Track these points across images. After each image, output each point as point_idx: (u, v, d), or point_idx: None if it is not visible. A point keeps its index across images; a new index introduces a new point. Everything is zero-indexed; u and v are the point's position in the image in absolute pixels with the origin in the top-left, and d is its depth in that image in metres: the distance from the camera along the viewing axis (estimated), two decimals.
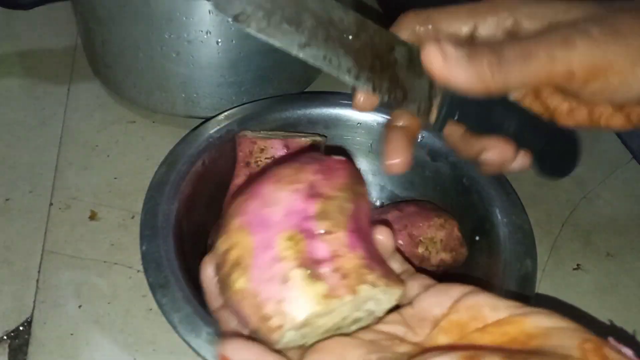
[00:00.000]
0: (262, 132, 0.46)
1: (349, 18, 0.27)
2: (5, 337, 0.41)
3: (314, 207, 0.24)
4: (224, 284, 0.24)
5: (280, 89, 0.56)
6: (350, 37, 0.27)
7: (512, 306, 0.24)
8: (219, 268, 0.25)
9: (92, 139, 0.55)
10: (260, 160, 0.44)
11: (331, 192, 0.25)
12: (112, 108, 0.58)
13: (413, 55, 0.29)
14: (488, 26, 0.31)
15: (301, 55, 0.27)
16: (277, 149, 0.43)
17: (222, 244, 0.25)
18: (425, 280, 0.29)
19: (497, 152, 0.32)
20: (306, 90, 0.61)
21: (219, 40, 0.50)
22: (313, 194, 0.25)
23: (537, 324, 0.23)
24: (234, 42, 0.50)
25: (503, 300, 0.24)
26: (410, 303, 0.27)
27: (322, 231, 0.24)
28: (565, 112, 0.33)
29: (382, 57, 0.28)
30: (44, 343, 0.41)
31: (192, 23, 0.48)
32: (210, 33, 0.49)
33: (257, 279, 0.23)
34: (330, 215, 0.24)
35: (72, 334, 0.41)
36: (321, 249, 0.24)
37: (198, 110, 0.55)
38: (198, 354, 0.35)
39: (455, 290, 0.26)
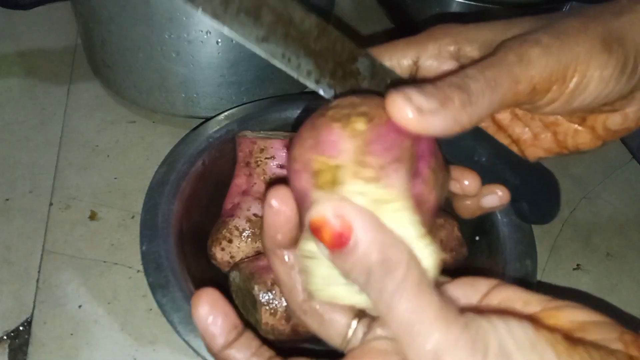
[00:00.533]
0: (262, 132, 0.46)
1: (310, 20, 0.26)
2: (5, 337, 0.41)
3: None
4: (345, 123, 0.23)
5: (280, 89, 0.56)
6: (311, 39, 0.26)
7: (543, 300, 0.24)
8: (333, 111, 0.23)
9: (92, 139, 0.55)
10: (260, 160, 0.44)
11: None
12: (112, 108, 0.58)
13: (376, 70, 0.29)
14: (430, 54, 0.30)
15: (259, 50, 0.25)
16: (277, 149, 0.43)
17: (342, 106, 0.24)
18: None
19: (459, 183, 0.31)
20: (306, 90, 0.61)
21: (219, 40, 0.50)
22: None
23: (572, 318, 0.23)
24: (234, 42, 0.50)
25: (532, 293, 0.24)
26: None
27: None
28: (530, 141, 0.33)
29: (343, 65, 0.27)
30: (44, 343, 0.41)
31: (192, 23, 0.48)
32: (210, 33, 0.49)
33: (379, 133, 0.22)
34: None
35: (72, 334, 0.41)
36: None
37: (198, 110, 0.55)
38: (198, 354, 0.35)
39: (482, 284, 0.26)
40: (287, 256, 0.26)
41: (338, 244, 0.21)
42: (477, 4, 0.61)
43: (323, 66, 0.27)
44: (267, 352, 0.25)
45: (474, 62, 0.26)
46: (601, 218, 0.54)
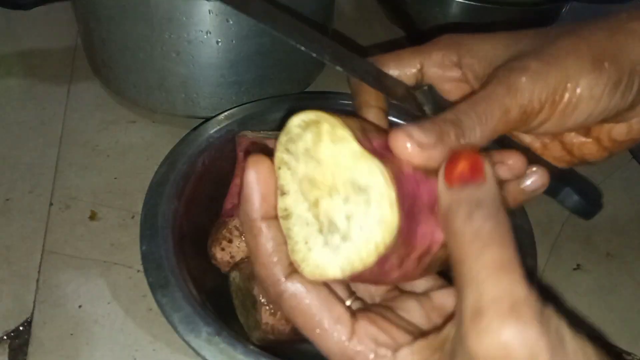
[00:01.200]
0: (262, 132, 0.46)
1: (318, 34, 0.29)
2: (5, 337, 0.41)
3: None
4: None
5: (280, 89, 0.56)
6: (324, 45, 0.29)
7: None
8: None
9: (92, 139, 0.55)
10: None
11: None
12: (112, 108, 0.58)
13: (383, 74, 0.31)
14: (433, 62, 0.32)
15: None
16: None
17: None
18: (435, 277, 0.29)
19: (504, 165, 0.29)
20: (306, 90, 0.61)
21: (219, 40, 0.50)
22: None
23: None
24: (234, 42, 0.50)
25: None
26: (426, 295, 0.28)
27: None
28: (540, 150, 0.34)
29: (361, 66, 0.30)
30: (44, 343, 0.41)
31: (192, 23, 0.48)
32: (210, 33, 0.49)
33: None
34: None
35: (72, 334, 0.41)
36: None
37: (198, 110, 0.55)
38: (198, 354, 0.35)
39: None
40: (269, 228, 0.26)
41: (472, 173, 0.22)
42: (477, 4, 0.61)
43: (346, 64, 0.29)
44: (285, 257, 0.25)
45: (470, 93, 0.27)
46: (601, 218, 0.54)
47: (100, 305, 0.43)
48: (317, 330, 0.25)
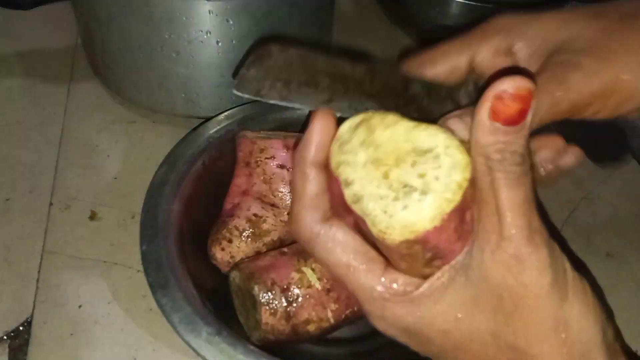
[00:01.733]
0: (262, 132, 0.46)
1: (359, 69, 0.30)
2: (5, 337, 0.41)
3: None
4: None
5: None
6: (367, 84, 0.30)
7: None
8: None
9: (92, 139, 0.55)
10: (260, 160, 0.44)
11: None
12: (112, 108, 0.58)
13: (429, 86, 0.31)
14: (484, 53, 0.32)
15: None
16: (277, 149, 0.43)
17: None
18: None
19: (548, 150, 0.31)
20: None
21: (219, 40, 0.50)
22: None
23: None
24: (234, 42, 0.50)
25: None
26: None
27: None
28: None
29: (401, 94, 0.31)
30: (44, 343, 0.41)
31: (192, 23, 0.48)
32: (210, 33, 0.49)
33: None
34: None
35: (72, 334, 0.41)
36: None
37: (198, 110, 0.55)
38: (198, 354, 0.35)
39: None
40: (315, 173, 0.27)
41: (518, 118, 0.23)
42: (477, 4, 0.61)
43: (386, 102, 0.30)
44: (327, 204, 0.27)
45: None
46: (601, 218, 0.54)
47: (100, 305, 0.43)
48: (351, 268, 0.26)
